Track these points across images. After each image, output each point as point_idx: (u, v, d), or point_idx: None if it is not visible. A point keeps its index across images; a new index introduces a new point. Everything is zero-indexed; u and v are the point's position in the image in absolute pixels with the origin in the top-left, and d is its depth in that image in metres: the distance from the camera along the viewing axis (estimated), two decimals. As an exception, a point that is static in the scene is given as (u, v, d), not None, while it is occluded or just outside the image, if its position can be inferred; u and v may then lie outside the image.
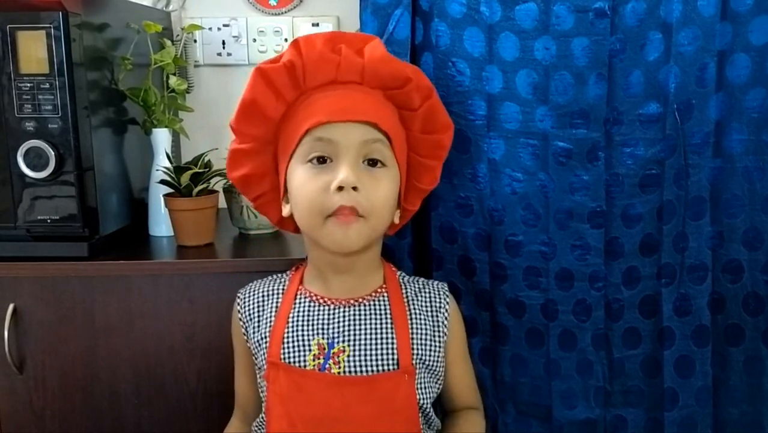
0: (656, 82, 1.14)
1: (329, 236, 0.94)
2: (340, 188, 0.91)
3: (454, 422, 1.07)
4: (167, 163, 1.22)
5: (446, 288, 1.08)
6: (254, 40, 1.55)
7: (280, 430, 0.96)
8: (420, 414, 0.99)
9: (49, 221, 1.13)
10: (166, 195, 1.21)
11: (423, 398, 0.99)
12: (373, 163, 0.95)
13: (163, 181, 1.20)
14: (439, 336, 1.02)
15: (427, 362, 1.00)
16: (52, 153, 1.09)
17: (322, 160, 0.94)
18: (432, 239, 1.23)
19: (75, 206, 1.13)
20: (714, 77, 1.13)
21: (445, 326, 1.03)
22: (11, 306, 1.13)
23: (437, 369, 1.02)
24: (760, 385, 1.21)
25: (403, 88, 0.98)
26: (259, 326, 1.01)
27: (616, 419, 1.23)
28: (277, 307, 1.01)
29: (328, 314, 0.99)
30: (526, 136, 1.16)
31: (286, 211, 1.00)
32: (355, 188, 0.91)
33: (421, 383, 0.99)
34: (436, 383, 1.02)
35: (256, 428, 1.03)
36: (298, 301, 1.01)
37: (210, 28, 1.55)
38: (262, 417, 1.00)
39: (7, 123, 1.11)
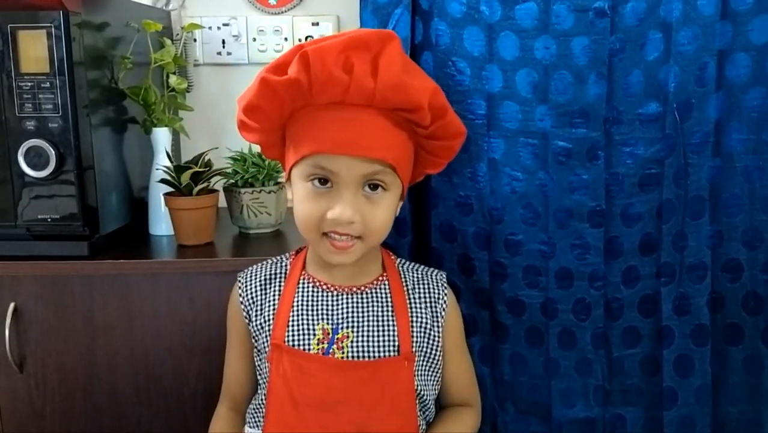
0: (656, 81, 1.14)
1: (325, 254, 0.97)
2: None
3: (443, 418, 1.08)
4: (167, 163, 1.22)
5: (444, 279, 1.08)
6: (254, 40, 1.55)
7: (282, 411, 0.97)
8: (417, 402, 1.01)
9: (49, 219, 1.13)
10: (166, 194, 1.20)
11: (420, 386, 1.01)
12: (373, 186, 0.95)
13: (163, 181, 1.19)
14: (437, 326, 1.04)
15: (425, 351, 1.02)
16: (53, 152, 1.09)
17: (323, 181, 0.94)
18: (432, 237, 1.24)
19: (75, 205, 1.13)
20: (714, 76, 1.13)
21: (443, 316, 1.05)
22: (12, 305, 1.14)
23: (435, 358, 1.03)
24: (759, 384, 1.21)
25: (414, 114, 0.95)
26: (261, 309, 1.02)
27: (615, 418, 1.24)
28: (279, 290, 1.03)
29: (333, 301, 1.01)
30: (525, 135, 1.17)
31: (289, 195, 1.00)
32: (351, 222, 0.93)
33: (418, 372, 1.01)
34: (433, 373, 1.04)
35: (253, 412, 1.04)
36: (301, 286, 1.03)
37: (210, 28, 1.55)
38: (262, 400, 1.00)
39: (8, 122, 1.11)
